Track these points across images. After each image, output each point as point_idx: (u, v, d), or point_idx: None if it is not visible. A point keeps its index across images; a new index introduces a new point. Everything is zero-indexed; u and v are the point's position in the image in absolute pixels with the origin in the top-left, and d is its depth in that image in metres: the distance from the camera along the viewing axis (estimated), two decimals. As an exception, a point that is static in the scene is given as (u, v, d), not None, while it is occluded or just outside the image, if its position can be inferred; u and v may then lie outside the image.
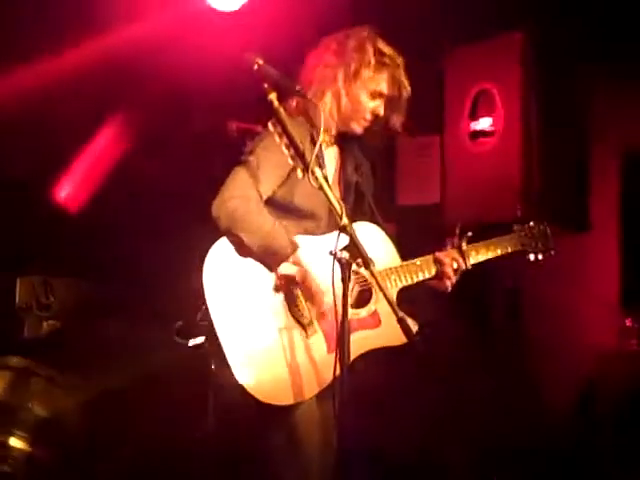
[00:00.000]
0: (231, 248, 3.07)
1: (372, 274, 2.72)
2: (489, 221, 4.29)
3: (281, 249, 3.04)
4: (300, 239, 3.13)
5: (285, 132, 2.83)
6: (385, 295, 2.71)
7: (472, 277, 4.34)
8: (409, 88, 3.36)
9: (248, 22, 4.60)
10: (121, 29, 4.43)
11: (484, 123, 4.40)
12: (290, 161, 2.83)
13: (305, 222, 3.22)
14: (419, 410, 4.44)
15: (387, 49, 3.33)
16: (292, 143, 2.82)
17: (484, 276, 4.64)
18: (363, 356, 3.13)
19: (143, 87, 4.65)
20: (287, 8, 4.52)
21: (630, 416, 4.36)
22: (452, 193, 4.65)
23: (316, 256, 3.06)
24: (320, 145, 3.17)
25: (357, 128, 3.35)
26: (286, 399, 3.00)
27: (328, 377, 2.95)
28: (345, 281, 2.70)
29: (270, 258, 3.04)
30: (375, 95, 3.32)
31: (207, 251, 3.08)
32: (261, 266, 3.06)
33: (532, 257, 3.52)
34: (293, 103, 3.30)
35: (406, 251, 3.33)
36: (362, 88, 3.30)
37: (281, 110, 2.85)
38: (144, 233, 4.71)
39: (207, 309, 3.02)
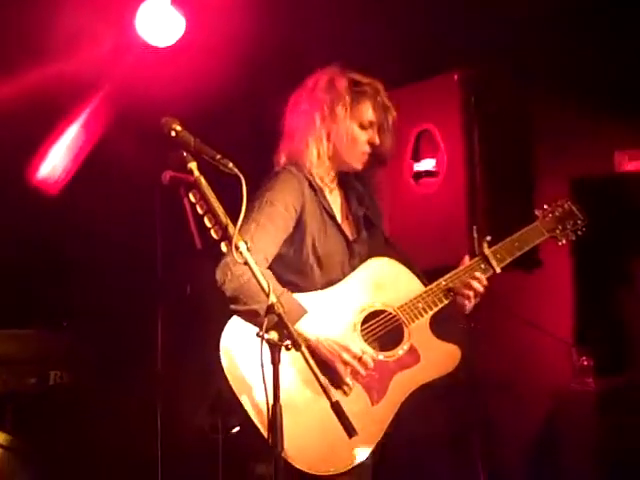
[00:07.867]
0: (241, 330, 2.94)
1: (304, 356, 2.54)
2: (435, 264, 4.14)
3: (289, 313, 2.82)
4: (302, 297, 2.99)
5: (207, 204, 2.64)
6: (316, 376, 2.52)
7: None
8: (394, 112, 3.24)
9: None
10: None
11: (427, 164, 4.27)
12: (214, 234, 2.65)
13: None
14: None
15: (362, 78, 3.23)
16: (215, 216, 2.63)
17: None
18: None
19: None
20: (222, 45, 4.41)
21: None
22: (398, 234, 4.48)
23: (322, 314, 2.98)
24: (243, 208, 2.98)
25: (357, 164, 3.24)
26: (341, 465, 2.86)
27: (378, 433, 2.89)
28: (275, 364, 2.52)
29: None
30: (365, 125, 3.20)
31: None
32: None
33: (564, 241, 3.34)
34: (282, 159, 3.22)
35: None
36: (350, 123, 3.18)
37: (202, 180, 2.66)
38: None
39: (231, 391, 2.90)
